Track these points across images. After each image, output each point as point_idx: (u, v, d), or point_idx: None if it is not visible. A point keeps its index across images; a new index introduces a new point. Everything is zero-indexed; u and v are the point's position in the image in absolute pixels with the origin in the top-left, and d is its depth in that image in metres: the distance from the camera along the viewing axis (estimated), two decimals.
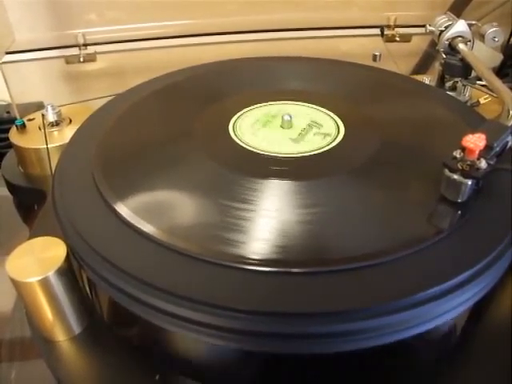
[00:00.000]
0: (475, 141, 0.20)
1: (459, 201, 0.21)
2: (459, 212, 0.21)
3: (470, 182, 0.21)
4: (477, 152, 0.20)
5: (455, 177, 0.21)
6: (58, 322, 0.23)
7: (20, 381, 0.24)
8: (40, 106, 0.43)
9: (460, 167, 0.20)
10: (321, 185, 0.23)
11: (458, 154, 0.21)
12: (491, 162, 0.21)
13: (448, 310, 0.19)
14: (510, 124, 0.24)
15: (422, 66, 0.59)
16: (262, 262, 0.19)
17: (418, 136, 0.28)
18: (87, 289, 0.26)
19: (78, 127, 0.30)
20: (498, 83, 0.29)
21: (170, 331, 0.19)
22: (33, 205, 0.36)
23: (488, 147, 0.21)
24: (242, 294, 0.18)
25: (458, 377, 0.22)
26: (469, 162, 0.21)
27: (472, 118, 0.28)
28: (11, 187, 0.37)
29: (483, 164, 0.21)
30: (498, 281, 0.21)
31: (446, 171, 0.21)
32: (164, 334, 0.23)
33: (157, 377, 0.22)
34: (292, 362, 0.21)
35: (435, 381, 0.22)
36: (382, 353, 0.21)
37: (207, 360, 0.23)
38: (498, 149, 0.21)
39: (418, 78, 0.39)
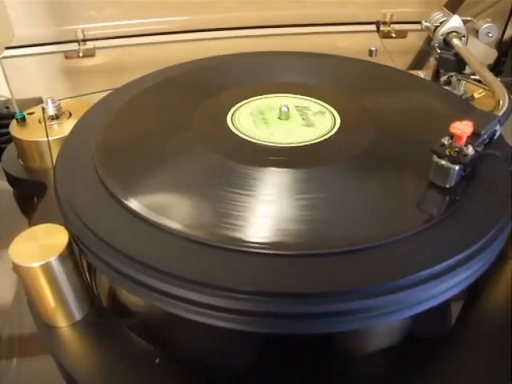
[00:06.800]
0: (462, 127, 0.21)
1: (447, 186, 0.22)
2: (448, 198, 0.22)
3: (457, 168, 0.21)
4: (464, 138, 0.21)
5: (443, 162, 0.21)
6: (59, 307, 0.23)
7: (19, 377, 0.25)
8: (39, 102, 0.43)
9: (448, 153, 0.21)
10: (322, 172, 0.24)
11: (446, 140, 0.21)
12: (478, 149, 0.21)
13: (439, 293, 0.19)
14: (499, 114, 0.24)
15: (418, 63, 0.59)
16: (265, 245, 0.20)
17: (410, 123, 0.28)
18: (88, 276, 0.26)
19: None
20: (490, 77, 0.30)
21: (169, 315, 0.19)
22: (32, 197, 0.36)
23: (475, 134, 0.21)
24: (246, 275, 0.19)
25: (454, 360, 0.22)
26: (456, 149, 0.21)
27: (465, 110, 0.29)
28: (11, 180, 0.37)
29: (470, 150, 0.21)
30: (492, 264, 0.21)
31: (435, 157, 0.21)
32: (164, 319, 0.23)
33: (157, 361, 0.22)
34: (292, 343, 0.22)
35: (433, 363, 0.22)
36: (381, 334, 0.22)
37: (207, 344, 0.23)
38: (485, 136, 0.22)
39: (414, 73, 0.39)
